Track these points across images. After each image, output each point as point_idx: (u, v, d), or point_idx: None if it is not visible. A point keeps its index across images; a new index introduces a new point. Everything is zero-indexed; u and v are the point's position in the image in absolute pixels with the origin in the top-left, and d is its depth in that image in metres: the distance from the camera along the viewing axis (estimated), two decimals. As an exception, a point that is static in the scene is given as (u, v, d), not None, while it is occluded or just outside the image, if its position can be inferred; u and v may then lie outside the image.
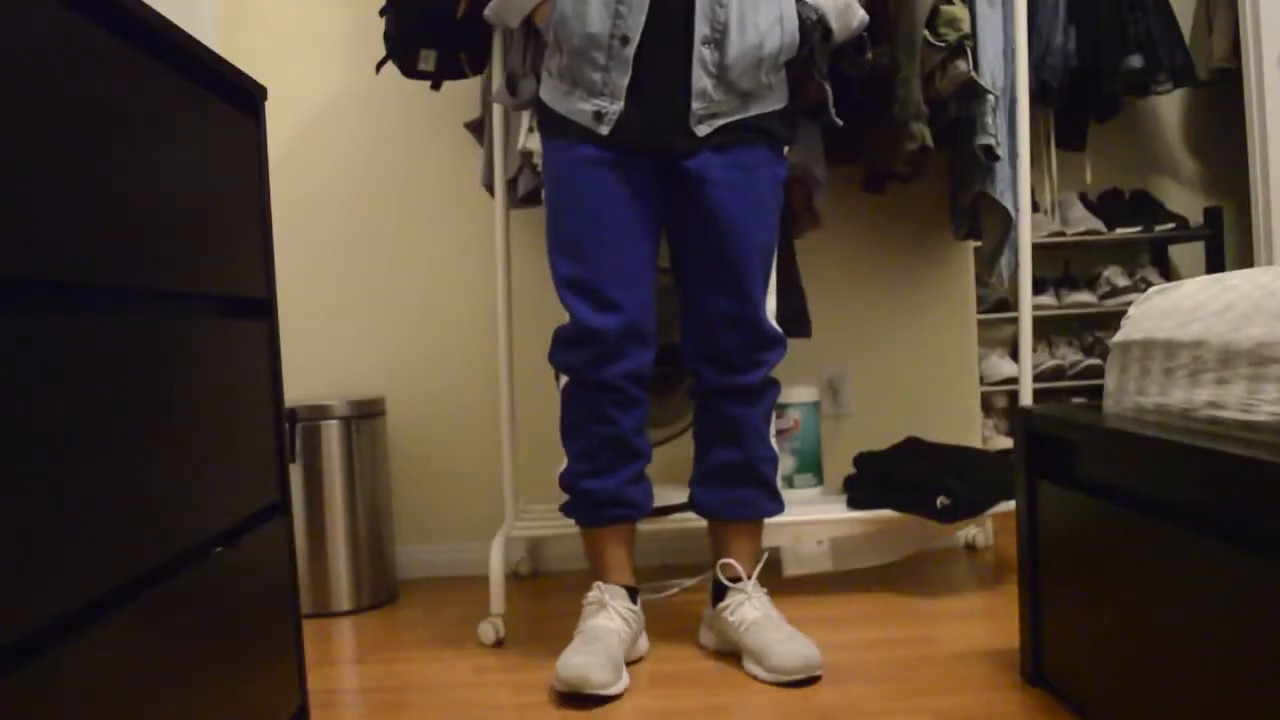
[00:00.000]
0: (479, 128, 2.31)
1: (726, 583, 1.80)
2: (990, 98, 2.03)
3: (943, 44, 1.98)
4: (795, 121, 1.85)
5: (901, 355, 2.59)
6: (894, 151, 2.10)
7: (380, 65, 2.14)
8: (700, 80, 1.68)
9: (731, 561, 1.82)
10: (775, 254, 1.83)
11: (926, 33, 1.96)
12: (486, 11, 1.83)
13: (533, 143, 1.95)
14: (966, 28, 1.98)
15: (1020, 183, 2.12)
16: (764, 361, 1.81)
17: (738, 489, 1.84)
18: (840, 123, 1.85)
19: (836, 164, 2.38)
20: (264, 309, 1.35)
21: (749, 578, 1.81)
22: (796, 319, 2.19)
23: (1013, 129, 2.15)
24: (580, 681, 1.57)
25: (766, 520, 1.90)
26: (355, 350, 2.52)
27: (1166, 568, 1.16)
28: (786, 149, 1.84)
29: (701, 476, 1.87)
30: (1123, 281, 3.55)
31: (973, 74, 1.98)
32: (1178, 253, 3.81)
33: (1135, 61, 3.25)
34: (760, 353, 1.80)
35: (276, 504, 1.36)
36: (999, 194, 2.14)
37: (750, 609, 1.76)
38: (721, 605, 1.79)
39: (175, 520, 1.02)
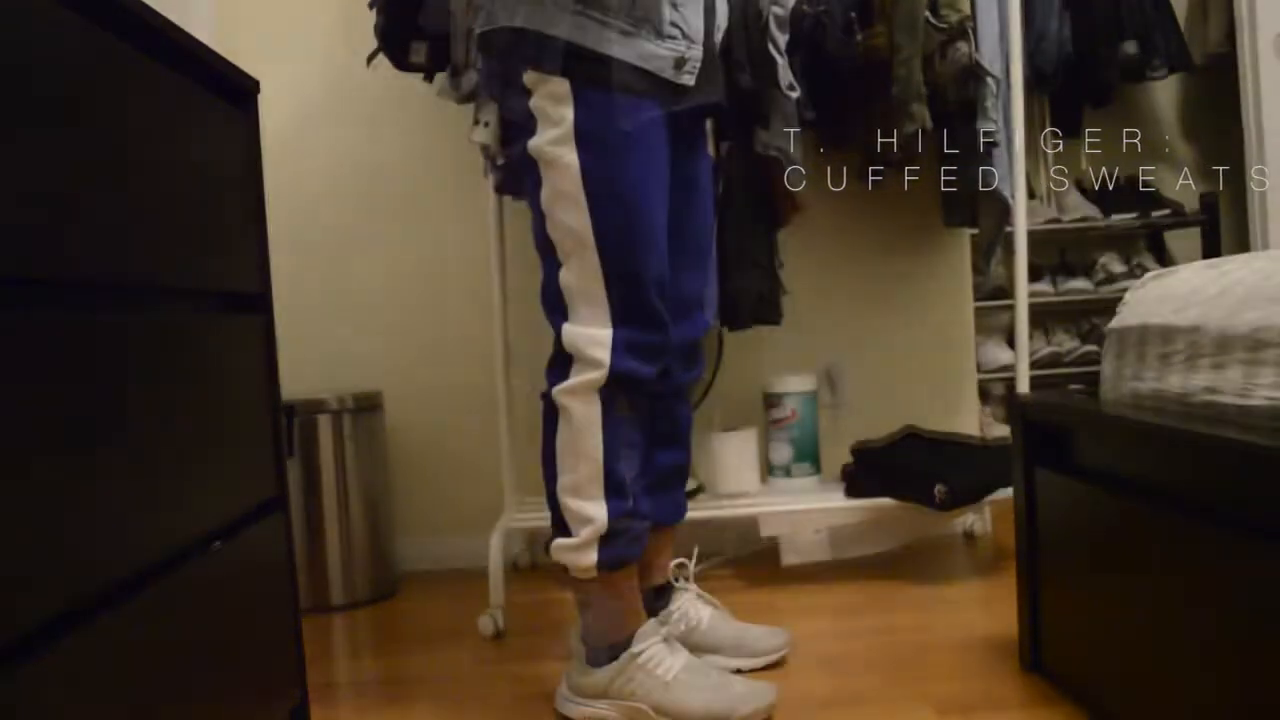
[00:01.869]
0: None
1: (682, 583, 1.71)
2: (990, 82, 2.02)
3: (944, 26, 1.97)
4: None
5: (898, 344, 2.59)
6: (889, 135, 2.09)
7: (371, 59, 2.13)
8: (721, 11, 1.49)
9: (686, 561, 1.72)
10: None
11: (928, 14, 1.95)
12: None
13: (480, 136, 1.93)
14: (967, 9, 1.97)
15: (1015, 170, 2.12)
16: (703, 349, 1.70)
17: (679, 491, 1.72)
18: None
19: (831, 151, 2.38)
20: (260, 303, 1.35)
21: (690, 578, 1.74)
22: (764, 305, 2.14)
23: (1007, 116, 2.14)
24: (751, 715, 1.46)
25: (768, 510, 1.87)
26: (352, 344, 2.52)
27: (1164, 553, 1.16)
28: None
29: (647, 483, 1.60)
30: (1119, 268, 3.55)
31: (975, 56, 1.97)
32: (1174, 239, 3.81)
33: (1130, 48, 3.24)
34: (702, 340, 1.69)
35: (274, 499, 1.36)
36: (996, 182, 2.14)
37: (703, 605, 1.70)
38: (674, 607, 1.68)
39: (172, 515, 1.02)
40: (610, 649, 1.50)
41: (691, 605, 1.69)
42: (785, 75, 1.88)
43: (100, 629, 0.86)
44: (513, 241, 2.48)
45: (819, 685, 1.60)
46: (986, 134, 2.04)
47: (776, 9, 1.88)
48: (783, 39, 1.88)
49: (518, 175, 2.11)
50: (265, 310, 1.36)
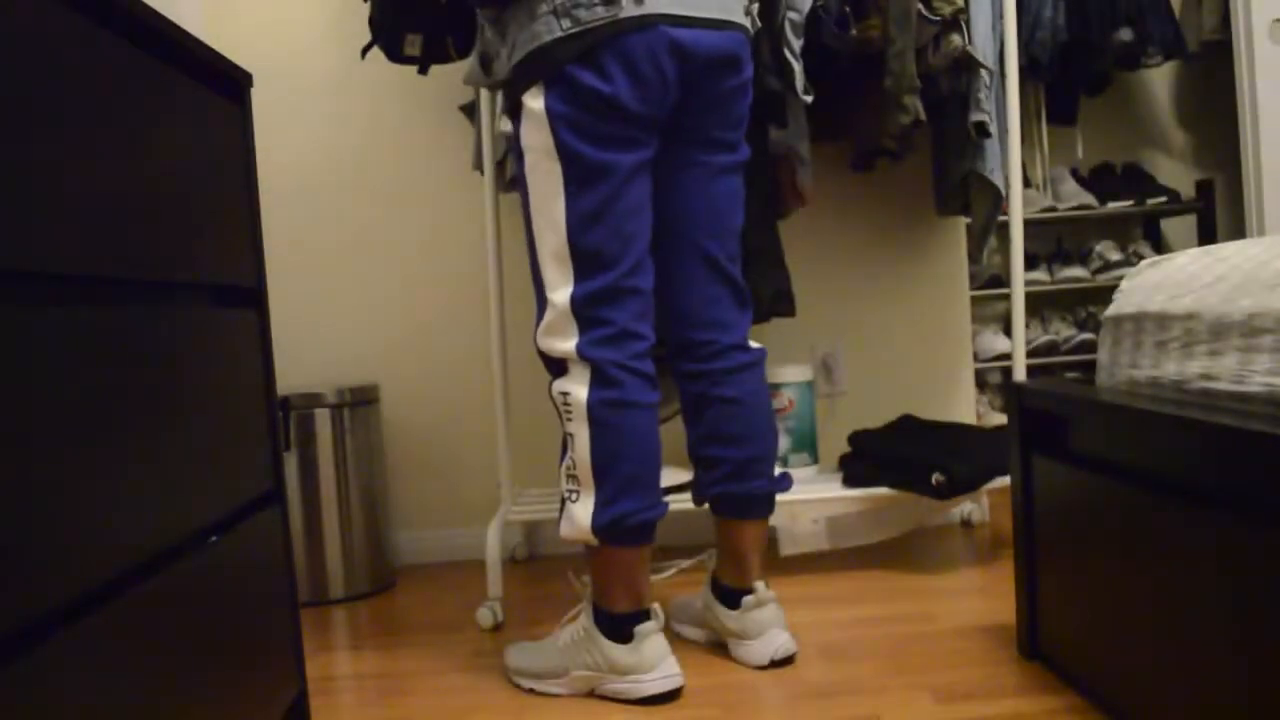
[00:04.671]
0: (472, 110, 2.30)
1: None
2: (983, 73, 2.02)
3: (937, 18, 1.96)
4: None
5: (894, 333, 2.59)
6: (883, 127, 2.09)
7: (366, 50, 2.13)
8: None
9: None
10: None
11: (921, 6, 1.95)
12: None
13: (508, 125, 1.91)
14: (961, 1, 1.97)
15: (1010, 158, 2.11)
16: None
17: None
18: None
19: (825, 142, 2.38)
20: (254, 297, 1.35)
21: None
22: (782, 299, 2.17)
23: (1001, 105, 2.14)
24: None
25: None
26: (347, 338, 2.51)
27: (1161, 539, 1.16)
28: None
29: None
30: (1115, 255, 3.55)
31: (968, 48, 1.97)
32: (1170, 226, 3.81)
33: (1125, 35, 3.24)
34: None
35: (271, 493, 1.36)
36: (989, 172, 2.14)
37: None
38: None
39: (169, 510, 1.02)
40: None
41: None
42: (800, 79, 1.89)
43: (98, 623, 0.86)
44: (509, 233, 2.48)
45: (818, 674, 1.60)
46: (979, 124, 2.04)
47: (792, 14, 1.87)
48: (798, 44, 1.88)
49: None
50: (260, 304, 1.36)
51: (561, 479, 1.57)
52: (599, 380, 1.51)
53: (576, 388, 1.52)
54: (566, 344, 1.53)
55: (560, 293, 1.53)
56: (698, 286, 1.65)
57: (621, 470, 1.52)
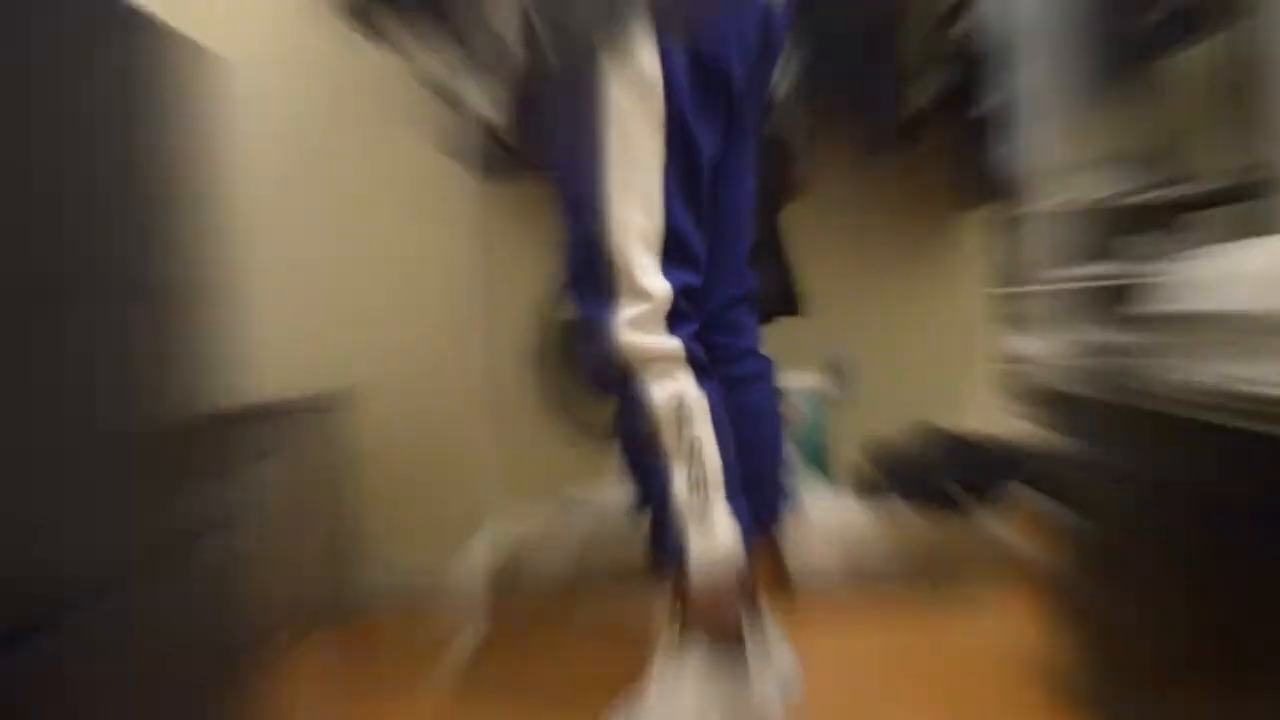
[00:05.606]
0: (452, 99, 2.23)
1: None
2: (1005, 56, 1.99)
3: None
4: None
5: (909, 335, 2.53)
6: (899, 113, 2.09)
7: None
8: None
9: None
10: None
11: None
12: None
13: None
14: None
15: (1033, 148, 2.08)
16: None
17: None
18: None
19: (835, 128, 2.29)
20: (217, 297, 1.34)
21: None
22: (789, 298, 2.13)
23: (1025, 91, 2.11)
24: None
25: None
26: (318, 342, 2.43)
27: (1196, 553, 1.11)
28: None
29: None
30: (1147, 250, 3.44)
31: (989, 28, 1.94)
32: (1205, 218, 3.69)
33: (1158, 16, 3.14)
34: None
35: (232, 509, 1.31)
36: (1014, 161, 2.17)
37: None
38: None
39: (124, 526, 0.95)
40: None
41: None
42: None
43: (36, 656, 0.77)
44: (503, 230, 2.39)
45: (835, 702, 1.58)
46: (1000, 111, 2.02)
47: None
48: None
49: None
50: (224, 305, 1.36)
51: (676, 505, 1.35)
52: (702, 374, 1.38)
53: (688, 388, 1.35)
54: (669, 341, 1.35)
55: (655, 280, 1.34)
56: (729, 288, 1.57)
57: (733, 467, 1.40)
